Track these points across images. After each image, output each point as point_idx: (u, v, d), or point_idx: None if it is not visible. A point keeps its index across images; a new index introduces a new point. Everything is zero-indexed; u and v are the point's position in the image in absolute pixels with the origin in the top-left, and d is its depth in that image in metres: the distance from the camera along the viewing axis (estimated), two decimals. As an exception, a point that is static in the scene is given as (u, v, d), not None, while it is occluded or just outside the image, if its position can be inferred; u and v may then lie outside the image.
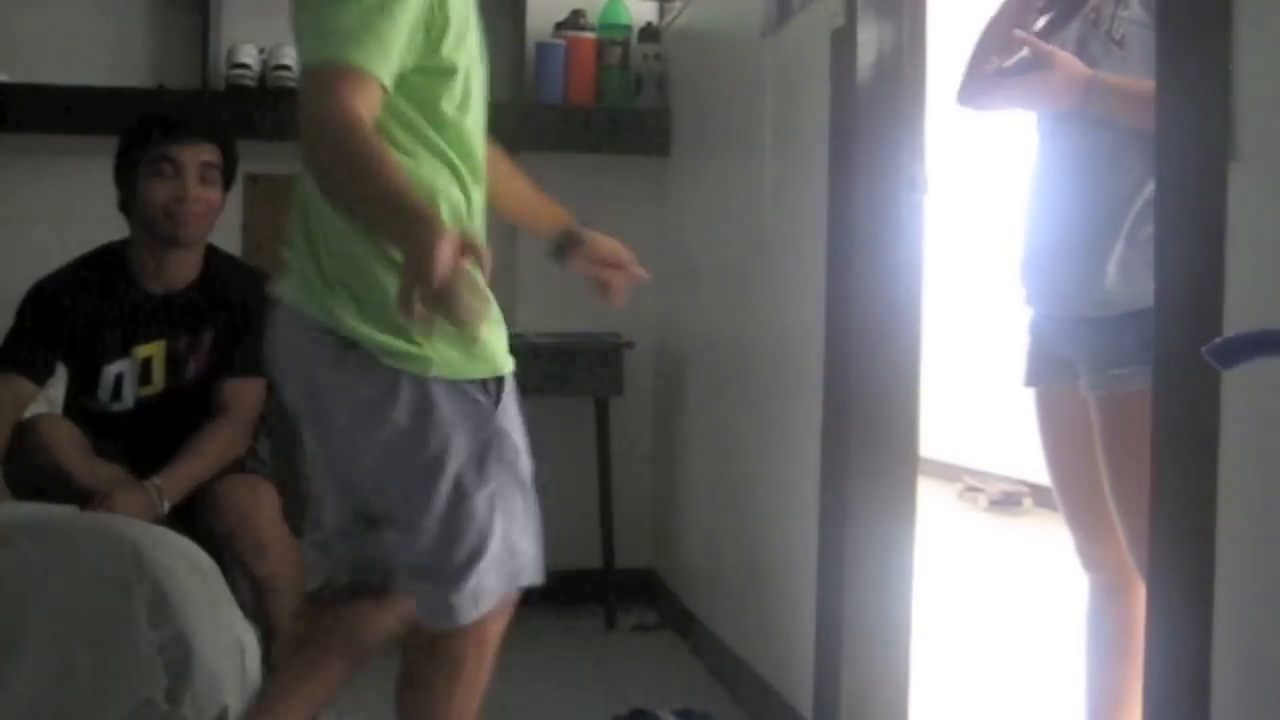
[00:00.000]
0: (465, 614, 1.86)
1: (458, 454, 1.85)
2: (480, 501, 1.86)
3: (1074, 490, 2.26)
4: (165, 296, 2.73)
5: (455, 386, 1.85)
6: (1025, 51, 2.02)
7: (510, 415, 1.91)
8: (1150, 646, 1.62)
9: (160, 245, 2.70)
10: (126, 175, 2.71)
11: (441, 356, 1.83)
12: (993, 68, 2.09)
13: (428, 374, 1.83)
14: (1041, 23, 2.18)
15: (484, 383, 1.87)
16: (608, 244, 2.12)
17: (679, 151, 3.98)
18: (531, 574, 1.94)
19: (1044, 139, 2.17)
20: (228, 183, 2.76)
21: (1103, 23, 2.06)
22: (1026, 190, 2.20)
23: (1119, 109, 1.99)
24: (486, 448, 1.86)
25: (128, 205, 2.74)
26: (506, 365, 1.91)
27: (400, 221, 1.58)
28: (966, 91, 2.21)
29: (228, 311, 2.74)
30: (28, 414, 2.68)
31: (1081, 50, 2.07)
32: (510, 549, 1.90)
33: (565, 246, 2.12)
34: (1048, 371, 2.22)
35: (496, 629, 1.98)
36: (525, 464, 1.92)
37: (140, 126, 2.72)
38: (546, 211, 2.14)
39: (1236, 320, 1.45)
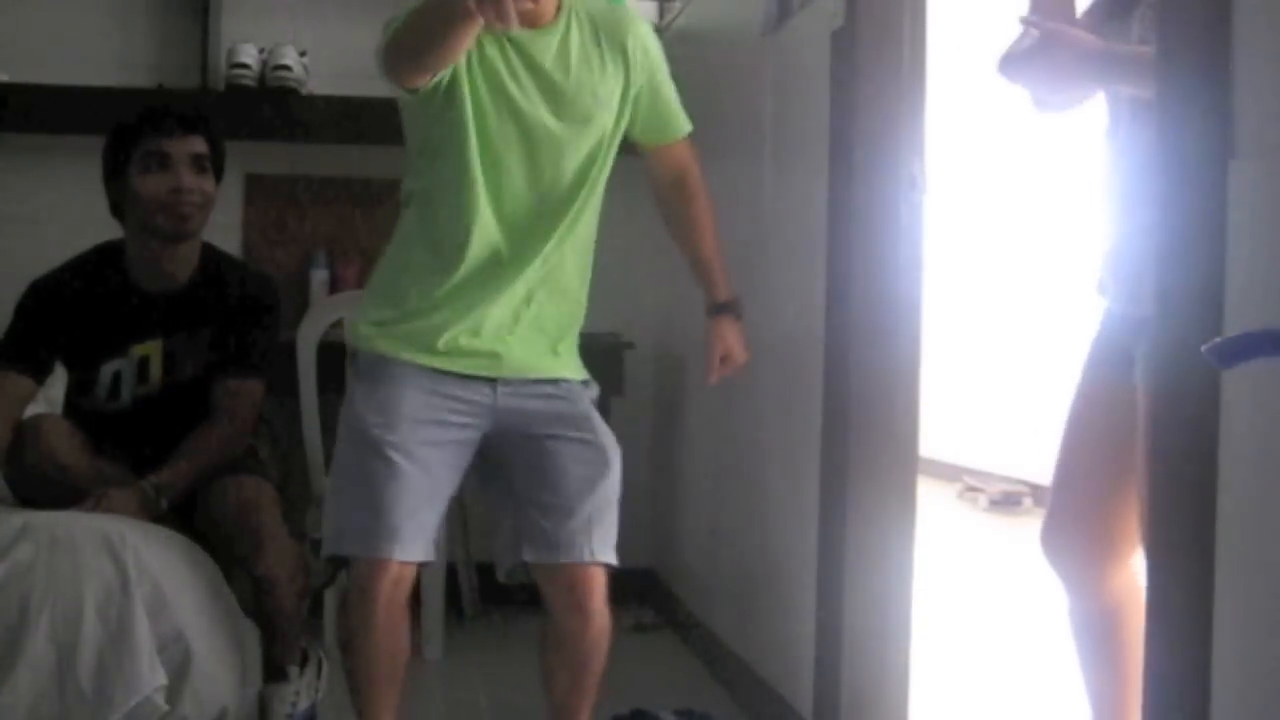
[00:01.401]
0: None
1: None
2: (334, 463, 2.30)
3: (1086, 485, 2.22)
4: (162, 295, 2.72)
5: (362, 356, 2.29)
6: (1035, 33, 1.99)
7: (389, 395, 2.21)
8: (1150, 647, 1.62)
9: (158, 243, 2.69)
10: (117, 177, 2.70)
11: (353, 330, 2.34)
12: (1012, 50, 2.04)
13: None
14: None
15: (386, 361, 2.24)
16: (717, 339, 2.46)
17: (679, 151, 3.98)
18: (354, 545, 2.18)
19: (1132, 130, 2.05)
20: (218, 174, 2.76)
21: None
22: (1115, 183, 2.12)
23: (1138, 79, 1.91)
24: (355, 413, 2.25)
25: (120, 208, 2.73)
26: (400, 353, 2.24)
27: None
28: (1005, 62, 2.16)
29: (225, 310, 2.73)
30: (27, 413, 2.68)
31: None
32: (346, 512, 2.20)
33: (708, 315, 2.49)
34: (1104, 367, 2.16)
35: (359, 585, 2.20)
36: (390, 443, 2.17)
37: (126, 126, 2.71)
38: (708, 281, 2.49)
39: (1236, 320, 1.45)
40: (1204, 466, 1.50)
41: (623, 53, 2.29)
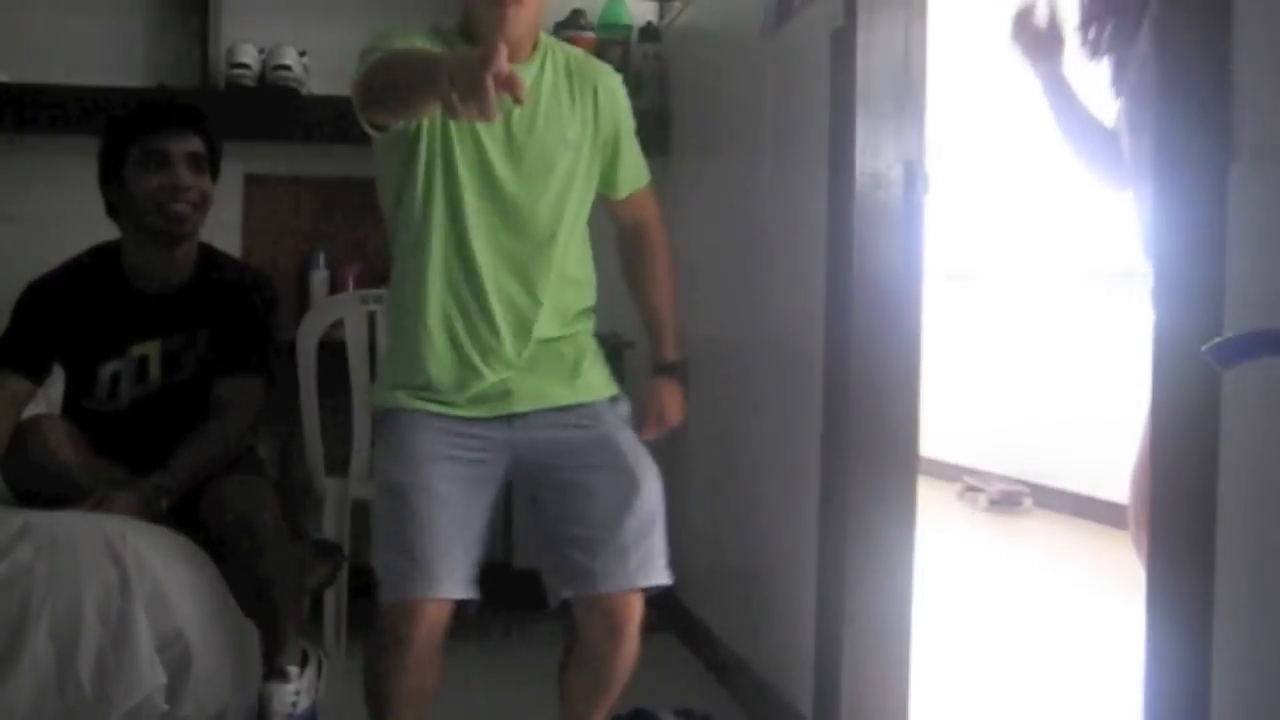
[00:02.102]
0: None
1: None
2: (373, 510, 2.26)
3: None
4: (160, 295, 2.72)
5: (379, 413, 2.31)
6: None
7: (404, 441, 2.21)
8: (1150, 647, 1.62)
9: (155, 242, 2.69)
10: (113, 178, 2.69)
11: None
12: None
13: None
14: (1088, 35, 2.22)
15: (399, 412, 2.24)
16: (656, 398, 2.42)
17: (679, 151, 3.98)
18: (390, 590, 2.15)
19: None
20: (214, 173, 2.75)
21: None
22: (1148, 219, 2.19)
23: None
24: (379, 469, 2.27)
25: (116, 210, 2.72)
26: (413, 404, 2.23)
27: (434, 70, 1.83)
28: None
29: (223, 309, 2.73)
30: (26, 414, 2.68)
31: (1145, 74, 2.05)
32: (383, 560, 2.16)
33: (652, 373, 2.47)
34: None
35: (393, 630, 2.15)
36: (411, 485, 2.16)
37: (121, 125, 2.70)
38: (658, 338, 2.47)
39: (1236, 320, 1.45)
40: (1204, 466, 1.50)
41: (594, 97, 2.29)
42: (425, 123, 2.16)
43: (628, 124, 2.37)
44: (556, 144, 2.24)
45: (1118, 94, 2.20)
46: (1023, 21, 2.27)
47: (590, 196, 2.33)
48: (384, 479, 2.23)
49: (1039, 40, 2.27)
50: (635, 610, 2.24)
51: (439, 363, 2.23)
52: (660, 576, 2.26)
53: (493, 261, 2.22)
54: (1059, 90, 2.30)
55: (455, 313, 2.23)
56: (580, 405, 2.29)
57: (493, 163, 2.20)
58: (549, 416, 2.26)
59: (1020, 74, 2.34)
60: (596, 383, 2.34)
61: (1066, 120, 2.32)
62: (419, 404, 2.23)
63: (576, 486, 2.23)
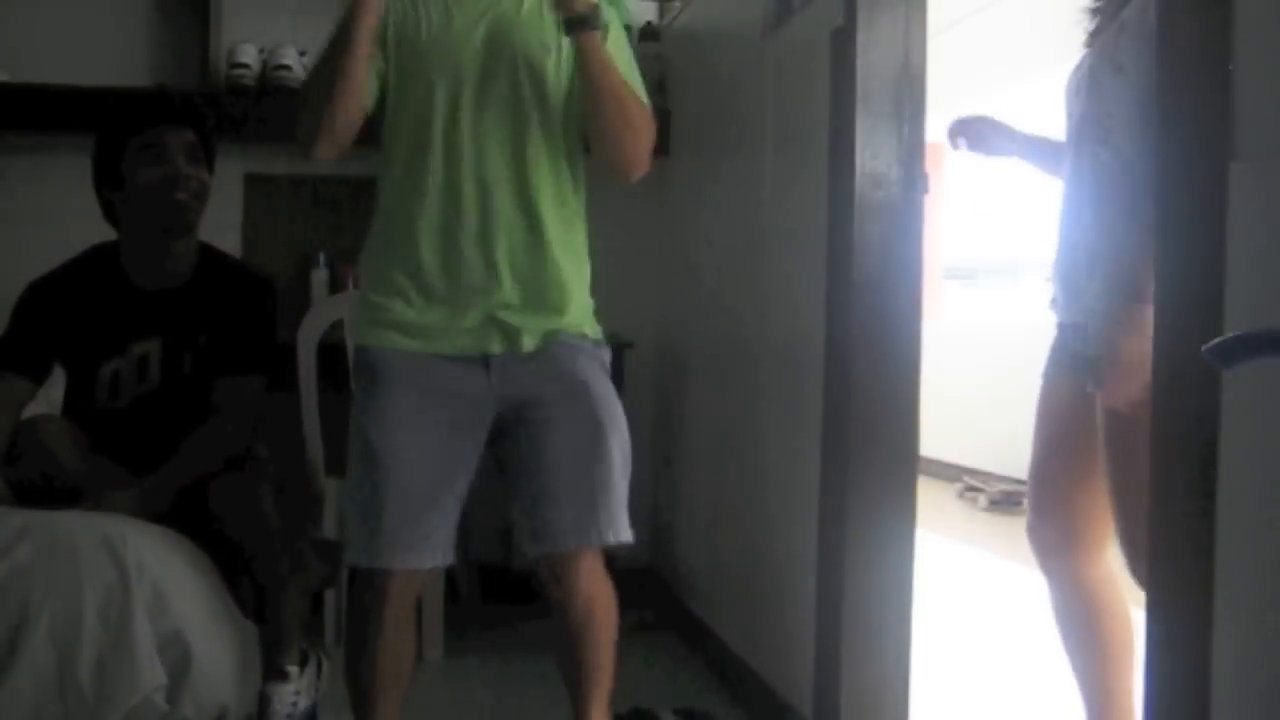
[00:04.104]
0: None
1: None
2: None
3: (1056, 482, 2.36)
4: (160, 293, 2.72)
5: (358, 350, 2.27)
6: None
7: (383, 402, 2.17)
8: (1150, 647, 1.62)
9: (156, 236, 2.69)
10: (110, 176, 2.69)
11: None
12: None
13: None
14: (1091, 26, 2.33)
15: (378, 357, 2.21)
16: None
17: (679, 151, 3.98)
18: (357, 555, 2.17)
19: (1070, 156, 2.29)
20: (209, 165, 2.75)
21: (1106, 50, 2.15)
22: (1060, 201, 2.31)
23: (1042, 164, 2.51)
24: (355, 418, 2.22)
25: (113, 211, 2.72)
26: (394, 342, 2.21)
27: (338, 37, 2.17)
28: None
29: (223, 308, 2.73)
30: (27, 414, 2.68)
31: (1092, 81, 2.17)
32: (350, 521, 2.19)
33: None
34: (1062, 374, 2.34)
35: (364, 593, 2.21)
36: (384, 449, 2.14)
37: (115, 122, 2.71)
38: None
39: (1236, 320, 1.45)
40: (1204, 466, 1.50)
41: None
42: (399, 50, 2.22)
43: (614, 34, 2.32)
44: (536, 47, 2.23)
45: (1088, 45, 2.31)
46: (958, 129, 2.54)
47: (568, 122, 2.27)
48: (359, 437, 2.19)
49: (978, 134, 2.52)
50: (584, 563, 2.25)
51: (429, 257, 2.20)
52: (613, 536, 2.23)
53: (480, 176, 2.20)
54: (1009, 146, 2.54)
55: (449, 221, 2.21)
56: (558, 341, 2.24)
57: (463, 61, 2.20)
58: (525, 367, 2.22)
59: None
60: (576, 316, 2.28)
61: (1032, 155, 2.55)
62: (395, 341, 2.20)
63: (538, 446, 2.20)
